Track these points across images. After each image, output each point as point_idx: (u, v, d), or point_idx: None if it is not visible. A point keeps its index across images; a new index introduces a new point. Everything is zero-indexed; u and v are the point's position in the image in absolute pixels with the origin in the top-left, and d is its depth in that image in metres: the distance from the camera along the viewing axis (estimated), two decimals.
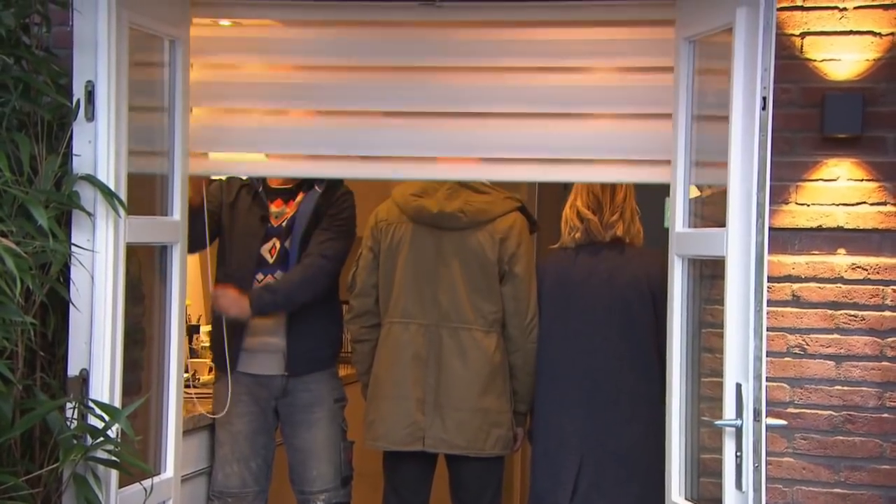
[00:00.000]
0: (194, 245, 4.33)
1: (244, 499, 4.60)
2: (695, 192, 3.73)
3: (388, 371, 4.46)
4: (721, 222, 3.42)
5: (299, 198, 4.66)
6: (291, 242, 4.59)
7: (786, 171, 3.79)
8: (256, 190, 4.66)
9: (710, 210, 3.70)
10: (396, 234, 4.47)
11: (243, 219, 4.64)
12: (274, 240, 4.62)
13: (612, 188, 4.40)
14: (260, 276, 4.61)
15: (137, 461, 3.46)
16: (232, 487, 4.59)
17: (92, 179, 3.48)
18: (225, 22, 4.31)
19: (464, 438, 4.39)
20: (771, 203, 3.40)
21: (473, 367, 4.39)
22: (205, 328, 5.66)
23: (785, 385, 3.82)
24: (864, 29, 3.77)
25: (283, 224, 4.63)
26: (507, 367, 4.44)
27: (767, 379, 3.36)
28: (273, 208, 4.67)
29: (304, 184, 4.66)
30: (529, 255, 4.45)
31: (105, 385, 3.49)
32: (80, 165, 3.50)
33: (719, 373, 3.40)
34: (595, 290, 4.31)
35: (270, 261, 4.61)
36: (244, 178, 4.75)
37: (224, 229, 4.66)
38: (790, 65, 3.78)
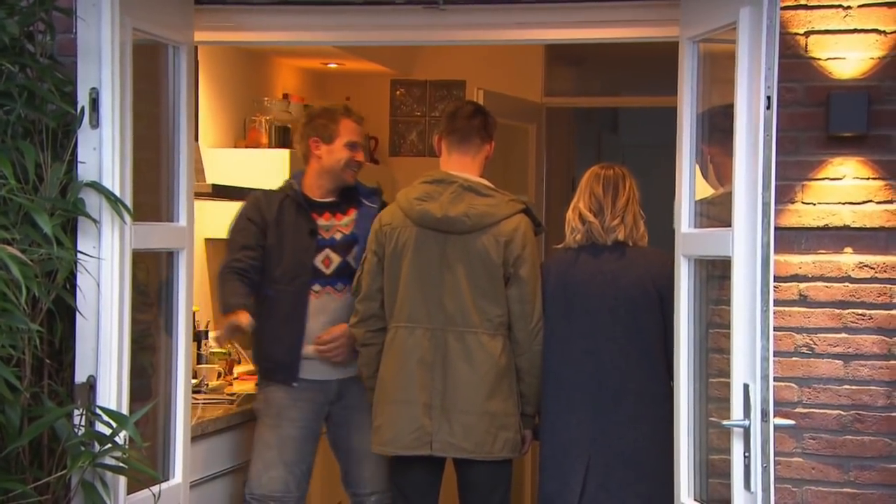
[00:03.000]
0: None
1: (285, 503, 4.63)
2: (701, 193, 3.73)
3: (394, 375, 4.46)
4: (727, 222, 3.42)
5: (353, 213, 4.75)
6: (356, 259, 4.65)
7: (791, 171, 3.79)
8: (299, 203, 4.72)
9: (716, 210, 3.69)
10: (401, 239, 4.47)
11: (291, 233, 4.69)
12: (328, 251, 4.69)
13: (615, 192, 4.37)
14: (317, 287, 4.68)
15: (145, 467, 3.47)
16: (275, 492, 4.61)
17: (97, 186, 3.49)
18: None
19: (471, 442, 4.38)
20: (777, 202, 3.39)
21: (480, 371, 4.38)
22: (213, 333, 5.67)
23: (793, 385, 3.82)
24: (869, 27, 3.76)
25: (338, 237, 4.72)
26: (513, 370, 4.43)
27: (775, 379, 3.36)
28: (322, 221, 4.73)
29: (353, 200, 4.75)
30: (534, 258, 4.44)
31: (112, 392, 3.50)
32: (85, 172, 3.52)
33: (727, 373, 3.40)
34: (599, 290, 4.31)
35: (327, 272, 4.68)
36: (285, 189, 4.81)
37: (270, 245, 4.70)
38: (794, 64, 3.78)
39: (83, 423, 3.46)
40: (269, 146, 6.01)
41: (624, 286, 4.28)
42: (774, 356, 3.30)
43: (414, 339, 4.43)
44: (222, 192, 5.32)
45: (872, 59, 3.75)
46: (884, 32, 3.75)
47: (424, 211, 4.43)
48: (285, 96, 6.47)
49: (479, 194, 4.45)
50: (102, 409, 3.45)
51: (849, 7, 3.77)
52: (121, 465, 3.43)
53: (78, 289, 3.49)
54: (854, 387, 3.78)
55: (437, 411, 4.39)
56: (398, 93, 7.33)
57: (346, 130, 4.76)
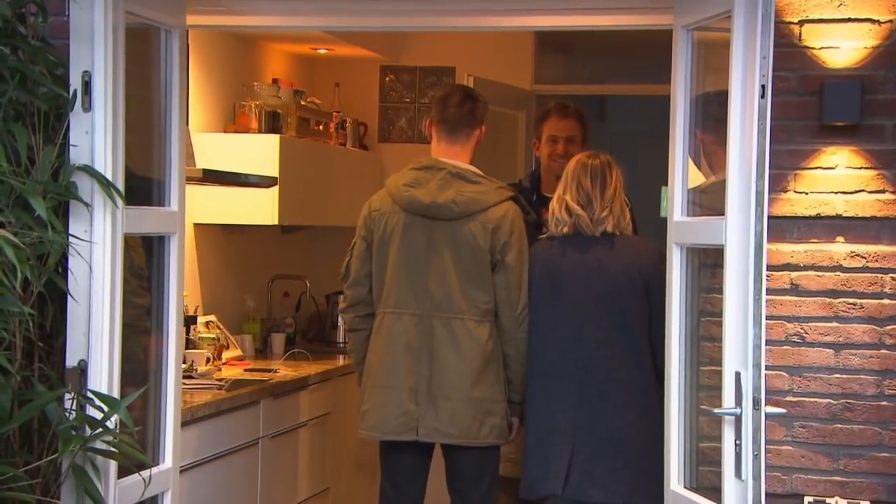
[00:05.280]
0: None
1: None
2: (694, 181, 3.73)
3: (381, 361, 4.46)
4: (719, 211, 3.41)
5: None
6: None
7: (784, 160, 3.78)
8: (530, 200, 4.83)
9: (709, 199, 3.69)
10: (389, 224, 4.47)
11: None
12: None
13: (602, 183, 4.35)
14: None
15: (136, 452, 3.46)
16: None
17: (89, 170, 3.47)
18: None
19: (457, 428, 4.39)
20: (770, 191, 3.40)
21: (466, 357, 4.38)
22: (202, 318, 5.66)
23: (784, 373, 3.82)
24: (863, 16, 3.76)
25: None
26: (500, 357, 4.44)
27: (766, 367, 3.36)
28: (546, 215, 4.78)
29: None
30: (522, 245, 4.43)
31: (104, 376, 3.49)
32: (77, 156, 3.50)
33: (718, 361, 3.40)
34: (586, 279, 4.30)
35: None
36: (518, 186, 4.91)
37: None
38: (788, 53, 3.77)
39: (74, 407, 3.44)
40: (259, 131, 5.99)
41: (611, 275, 4.28)
42: (766, 345, 3.30)
43: (401, 325, 4.43)
44: (212, 177, 5.30)
45: (866, 48, 3.75)
46: (878, 22, 3.75)
47: (412, 197, 4.43)
48: (275, 81, 6.45)
49: (468, 181, 4.45)
50: (94, 392, 3.43)
51: None
52: (111, 449, 3.42)
53: (69, 272, 3.47)
54: (844, 376, 3.79)
55: (424, 397, 4.39)
56: (388, 79, 7.31)
57: (548, 126, 5.15)
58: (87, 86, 3.50)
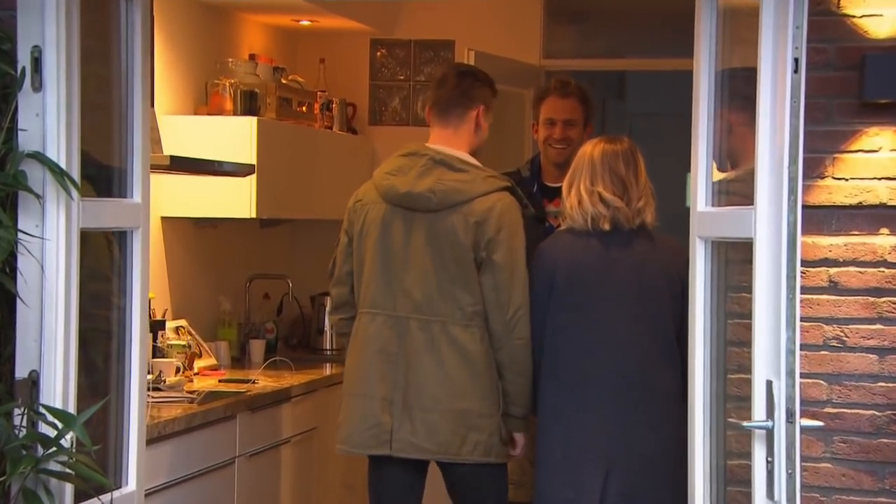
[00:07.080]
0: None
1: None
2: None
3: (356, 366, 4.46)
4: (748, 200, 3.41)
5: None
6: None
7: (820, 142, 3.78)
8: (531, 191, 4.87)
9: (736, 187, 3.68)
10: (369, 217, 4.47)
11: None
12: None
13: (635, 169, 4.35)
14: None
15: (95, 473, 3.45)
16: None
17: (40, 157, 3.46)
18: None
19: (434, 442, 4.36)
20: (804, 178, 3.38)
21: (448, 365, 4.36)
22: (171, 323, 5.66)
23: (822, 382, 3.82)
24: None
25: None
26: (493, 366, 4.41)
27: (802, 375, 3.35)
28: (551, 207, 4.92)
29: None
30: (513, 242, 4.38)
31: (58, 388, 3.48)
32: (26, 141, 3.49)
33: (748, 369, 3.39)
34: (621, 278, 4.29)
35: None
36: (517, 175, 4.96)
37: None
38: (825, 22, 3.76)
39: (24, 423, 3.44)
40: (235, 113, 6.00)
41: (647, 274, 4.29)
42: (801, 350, 3.29)
43: (375, 327, 4.43)
44: (181, 165, 5.30)
45: None
46: None
47: (390, 186, 4.43)
48: (252, 57, 6.45)
49: (452, 169, 4.43)
50: (46, 407, 3.43)
51: None
52: (67, 470, 3.42)
53: (18, 273, 3.47)
54: (890, 384, 3.78)
55: (399, 407, 4.38)
56: (379, 54, 7.32)
57: (546, 107, 5.15)
58: (37, 63, 3.49)
